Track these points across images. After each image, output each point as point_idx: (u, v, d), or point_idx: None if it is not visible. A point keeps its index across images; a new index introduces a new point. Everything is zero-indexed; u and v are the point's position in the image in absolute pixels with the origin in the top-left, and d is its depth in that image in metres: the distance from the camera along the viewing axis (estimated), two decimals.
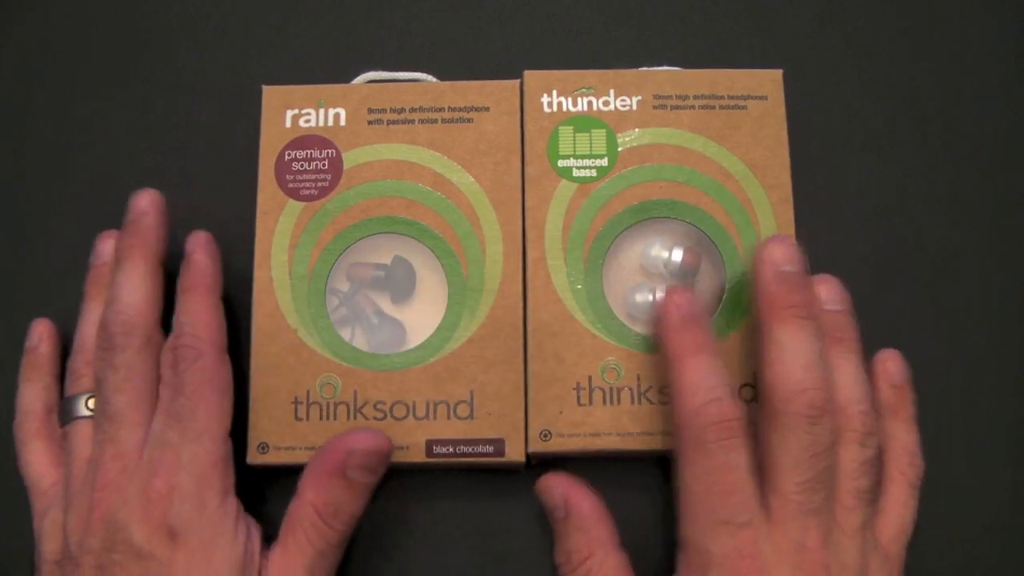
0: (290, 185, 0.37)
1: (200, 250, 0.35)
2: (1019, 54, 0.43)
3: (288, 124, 0.37)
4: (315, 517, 0.32)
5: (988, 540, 0.37)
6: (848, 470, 0.32)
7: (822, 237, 0.38)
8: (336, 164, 0.37)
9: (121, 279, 0.34)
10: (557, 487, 0.34)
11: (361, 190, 0.37)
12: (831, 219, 0.40)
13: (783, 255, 0.33)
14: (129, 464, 0.32)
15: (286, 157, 0.37)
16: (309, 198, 0.36)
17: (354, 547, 0.36)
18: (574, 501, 0.33)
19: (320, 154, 0.37)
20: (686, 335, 0.32)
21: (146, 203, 0.35)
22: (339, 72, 0.42)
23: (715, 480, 0.30)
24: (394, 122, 0.37)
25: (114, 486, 0.31)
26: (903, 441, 0.35)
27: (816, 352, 0.32)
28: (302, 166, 0.37)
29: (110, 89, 0.42)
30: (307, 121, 0.37)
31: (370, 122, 0.37)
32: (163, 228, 0.35)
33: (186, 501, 0.31)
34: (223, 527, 0.31)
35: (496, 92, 0.38)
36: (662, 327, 0.33)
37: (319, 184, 0.36)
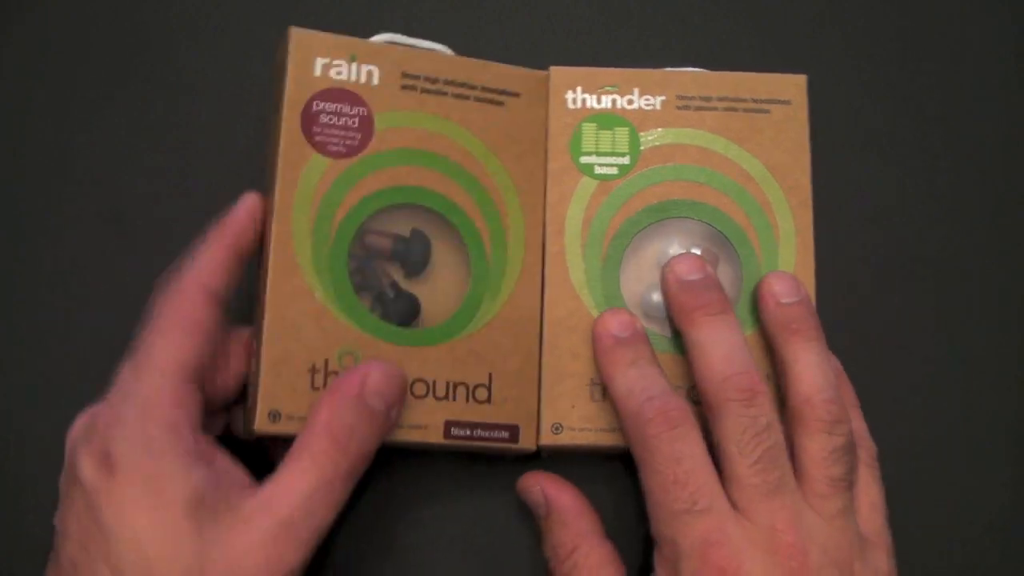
0: (317, 138, 0.35)
1: (243, 209, 0.34)
2: (1020, 54, 0.43)
3: (318, 72, 0.36)
4: (327, 440, 0.30)
5: (988, 540, 0.37)
6: (818, 459, 0.31)
7: (822, 237, 0.38)
8: (367, 124, 0.35)
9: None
10: (535, 485, 0.34)
11: (392, 155, 0.35)
12: (831, 219, 0.40)
13: (685, 268, 0.34)
14: (107, 396, 0.31)
15: (314, 108, 0.35)
16: (337, 155, 0.35)
17: (352, 543, 0.36)
18: (553, 496, 0.34)
19: (351, 110, 0.35)
20: (617, 354, 0.33)
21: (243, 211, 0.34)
22: None
23: (665, 473, 0.30)
24: (428, 91, 0.36)
25: (84, 417, 0.31)
26: (857, 426, 0.35)
27: (735, 342, 0.32)
28: (331, 119, 0.35)
29: (110, 89, 0.42)
30: (339, 73, 0.36)
31: (404, 87, 0.36)
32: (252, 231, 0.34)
33: (125, 430, 0.29)
34: (171, 462, 0.29)
35: (528, 81, 0.37)
36: (596, 352, 0.34)
37: (347, 142, 0.35)
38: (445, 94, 0.36)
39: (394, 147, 0.35)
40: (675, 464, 0.30)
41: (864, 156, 0.41)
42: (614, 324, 0.34)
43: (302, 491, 0.29)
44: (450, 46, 0.40)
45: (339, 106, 0.35)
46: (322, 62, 0.36)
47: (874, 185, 0.41)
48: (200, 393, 0.31)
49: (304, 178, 0.34)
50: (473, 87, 0.37)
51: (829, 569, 0.30)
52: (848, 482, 0.32)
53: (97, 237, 0.40)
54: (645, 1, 0.43)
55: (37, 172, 0.41)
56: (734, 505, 0.30)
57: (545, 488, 0.34)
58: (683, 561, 0.30)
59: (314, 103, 0.35)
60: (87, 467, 0.29)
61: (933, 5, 0.43)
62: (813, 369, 0.33)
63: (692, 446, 0.31)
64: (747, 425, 0.31)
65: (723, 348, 0.32)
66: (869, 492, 0.33)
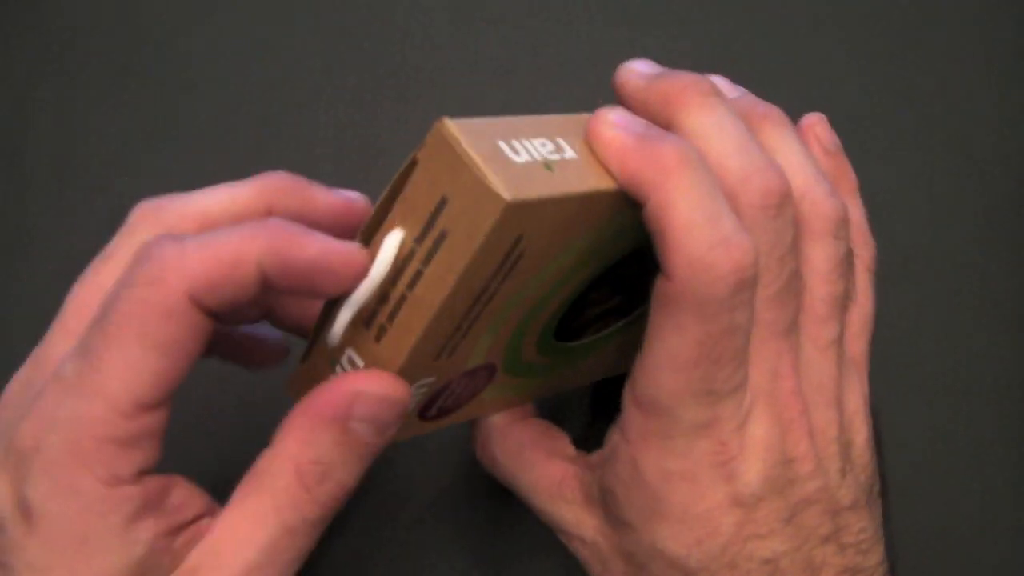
0: None
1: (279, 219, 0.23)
2: (1020, 54, 0.43)
3: None
4: (293, 478, 0.23)
5: (988, 540, 0.37)
6: (822, 272, 0.25)
7: None
8: None
9: None
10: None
11: None
12: None
13: (640, 65, 0.27)
14: (34, 380, 0.24)
15: None
16: None
17: (352, 542, 0.36)
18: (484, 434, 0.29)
19: None
20: (651, 154, 0.23)
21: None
22: (338, 70, 0.42)
23: (713, 346, 0.23)
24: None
25: (4, 403, 0.24)
26: (855, 217, 0.29)
27: (744, 132, 0.24)
28: None
29: (110, 88, 0.42)
30: None
31: None
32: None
33: (48, 475, 0.21)
34: (105, 523, 0.21)
35: None
36: (614, 160, 0.23)
37: None
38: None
39: None
40: (729, 336, 0.23)
41: (864, 157, 0.41)
42: (618, 117, 0.24)
43: (262, 540, 0.23)
44: (450, 46, 0.40)
45: None
46: None
47: (874, 185, 0.41)
48: (165, 411, 0.23)
49: None
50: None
51: (823, 410, 0.26)
52: (845, 302, 0.27)
53: (97, 237, 0.40)
54: (645, 1, 0.43)
55: (37, 172, 0.41)
56: None
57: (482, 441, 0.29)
58: (680, 437, 0.24)
59: None
60: (3, 500, 0.22)
61: (933, 5, 0.43)
62: (800, 158, 0.26)
63: (750, 314, 0.24)
64: (773, 242, 0.23)
65: (734, 136, 0.24)
66: (864, 305, 0.28)
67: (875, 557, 0.27)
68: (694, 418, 0.24)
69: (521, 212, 0.21)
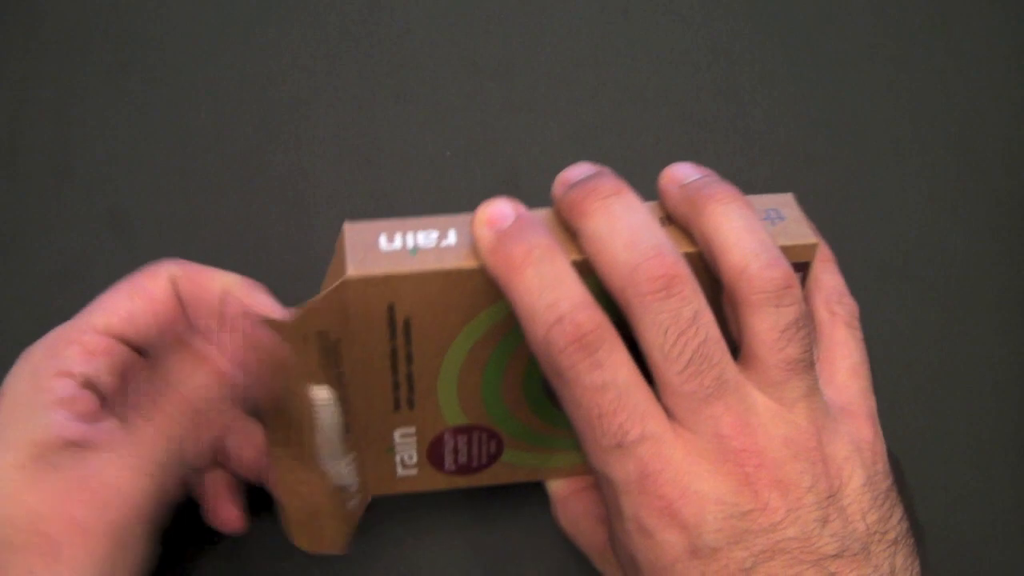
0: None
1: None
2: (1020, 54, 0.43)
3: None
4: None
5: (988, 540, 0.37)
6: (769, 342, 0.26)
7: (822, 237, 0.38)
8: None
9: None
10: None
11: None
12: (831, 219, 0.40)
13: (573, 172, 0.28)
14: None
15: None
16: None
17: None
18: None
19: None
20: (502, 252, 0.26)
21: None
22: (338, 70, 0.42)
23: (590, 407, 0.26)
24: None
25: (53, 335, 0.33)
26: (827, 283, 0.30)
27: (635, 222, 0.26)
28: None
29: (110, 89, 0.42)
30: None
31: None
32: None
33: (23, 362, 0.30)
34: (40, 399, 0.29)
35: None
36: (480, 254, 0.27)
37: None
38: None
39: None
40: (599, 394, 0.25)
41: (864, 157, 0.41)
42: (487, 214, 0.27)
43: (138, 464, 0.28)
44: (450, 46, 0.40)
45: None
46: None
47: (874, 185, 0.41)
48: (127, 352, 0.31)
49: None
50: None
51: (793, 462, 0.26)
52: (808, 360, 0.27)
53: (97, 237, 0.40)
54: (644, 2, 0.43)
55: (37, 172, 0.41)
56: (671, 414, 0.26)
57: None
58: (622, 497, 0.26)
59: None
60: None
61: (933, 5, 0.43)
62: (738, 232, 0.27)
63: (615, 369, 0.26)
64: (668, 323, 0.25)
65: (623, 233, 0.26)
66: (848, 357, 0.29)
67: None
68: (621, 475, 0.26)
69: (367, 285, 0.27)
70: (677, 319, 0.26)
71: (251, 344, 0.29)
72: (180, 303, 0.32)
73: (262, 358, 0.28)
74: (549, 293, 0.26)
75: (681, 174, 0.29)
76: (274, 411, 0.29)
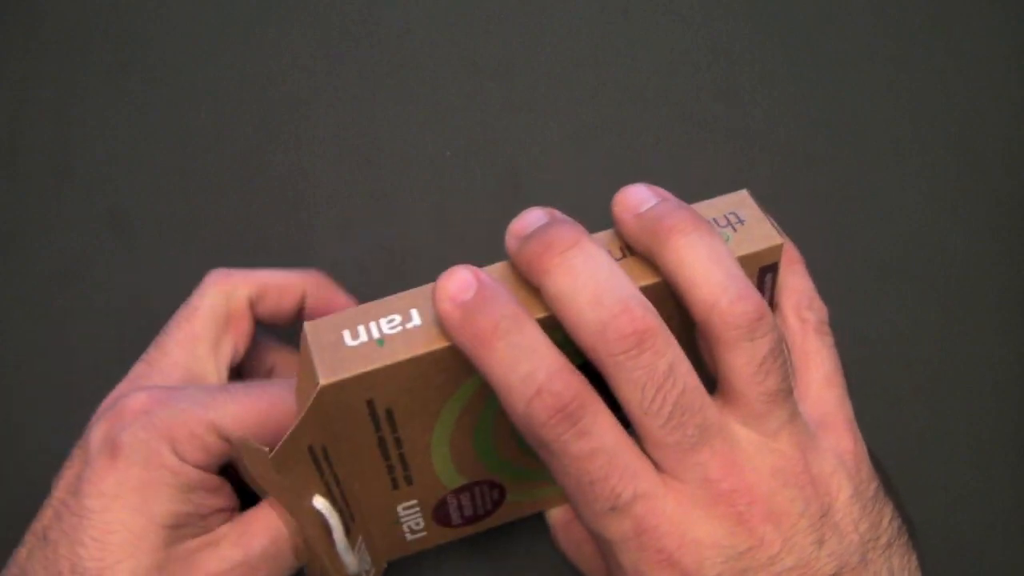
0: None
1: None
2: (1020, 54, 0.43)
3: None
4: None
5: (988, 540, 0.37)
6: (746, 376, 0.26)
7: (822, 237, 0.38)
8: None
9: None
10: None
11: None
12: (831, 219, 0.40)
13: (521, 224, 0.27)
14: (147, 374, 0.33)
15: None
16: None
17: None
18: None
19: None
20: (469, 328, 0.26)
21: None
22: (338, 70, 0.42)
23: (579, 474, 0.25)
24: None
25: (139, 392, 0.32)
26: (795, 287, 0.30)
27: (597, 275, 0.26)
28: None
29: (110, 89, 0.42)
30: None
31: None
32: None
33: (143, 429, 0.29)
34: (165, 484, 0.29)
35: None
36: (446, 330, 0.26)
37: None
38: None
39: None
40: (588, 462, 0.25)
41: (864, 156, 0.41)
42: (451, 288, 0.26)
43: (272, 532, 0.29)
44: (450, 46, 0.40)
45: None
46: None
47: (875, 185, 0.41)
48: (223, 445, 0.30)
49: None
50: None
51: (783, 491, 0.26)
52: (787, 388, 0.27)
53: (97, 237, 0.40)
54: (644, 2, 0.43)
55: (37, 172, 0.41)
56: (658, 466, 0.26)
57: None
58: (621, 555, 0.26)
59: None
60: (97, 438, 0.29)
61: (933, 5, 0.43)
62: (704, 265, 0.26)
63: (601, 434, 0.25)
64: (645, 379, 0.25)
65: (587, 289, 0.25)
66: (821, 366, 0.29)
67: None
68: (618, 535, 0.26)
69: (342, 388, 0.26)
70: (653, 374, 0.25)
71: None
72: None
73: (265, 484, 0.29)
74: (523, 364, 0.25)
75: (635, 200, 0.27)
76: (291, 518, 0.30)
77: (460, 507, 0.33)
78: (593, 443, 0.25)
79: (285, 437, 0.27)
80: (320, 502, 0.29)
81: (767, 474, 0.26)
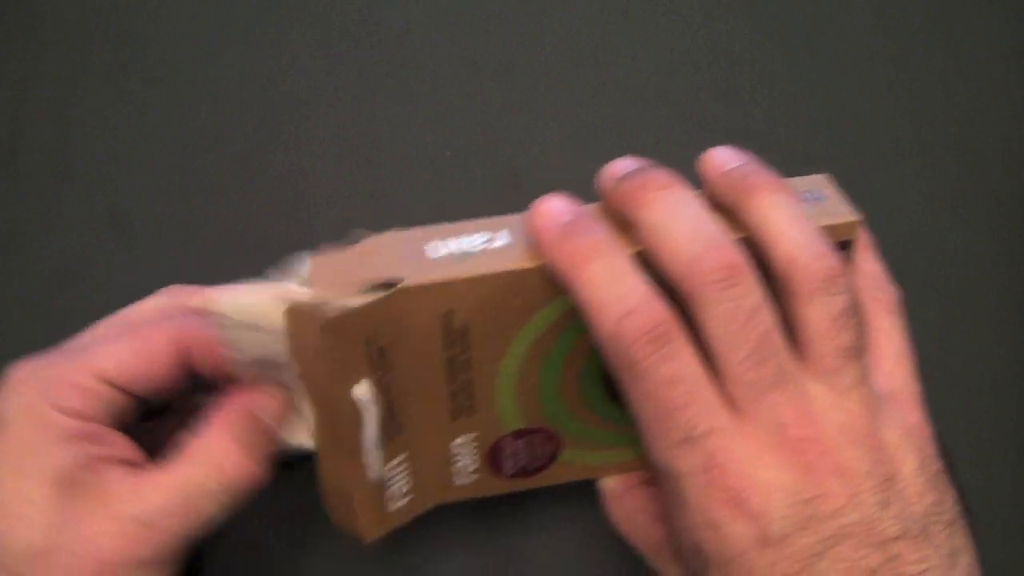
0: None
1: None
2: (1020, 54, 0.43)
3: None
4: (225, 444, 0.29)
5: (988, 540, 0.37)
6: (822, 330, 0.27)
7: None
8: None
9: None
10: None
11: None
12: None
13: (621, 165, 0.28)
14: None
15: None
16: None
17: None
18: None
19: None
20: (567, 247, 0.27)
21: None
22: (338, 70, 0.42)
23: (659, 400, 0.26)
24: None
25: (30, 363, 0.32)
26: (868, 269, 0.31)
27: (697, 214, 0.27)
28: None
29: (110, 89, 0.42)
30: None
31: None
32: None
33: (21, 397, 0.29)
34: (48, 436, 0.29)
35: None
36: (540, 248, 0.27)
37: None
38: None
39: None
40: (669, 388, 0.26)
41: (864, 156, 0.41)
42: (548, 209, 0.27)
43: (173, 492, 0.29)
44: (449, 46, 0.40)
45: None
46: None
47: (874, 185, 0.41)
48: (126, 399, 0.30)
49: None
50: None
51: (850, 449, 0.26)
52: (859, 348, 0.27)
53: (97, 237, 0.40)
54: (644, 2, 0.43)
55: (37, 172, 0.41)
56: (732, 404, 0.26)
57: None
58: (689, 491, 0.26)
59: None
60: None
61: (933, 5, 0.43)
62: (787, 222, 0.27)
63: (685, 362, 0.26)
64: (732, 313, 0.26)
65: (684, 224, 0.27)
66: (892, 343, 0.29)
67: None
68: (689, 467, 0.26)
69: (424, 293, 0.26)
70: (740, 308, 0.26)
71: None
72: (181, 359, 0.30)
73: (301, 351, 0.28)
74: (617, 286, 0.26)
75: (723, 160, 0.29)
76: (318, 401, 0.28)
77: (515, 454, 0.32)
78: (677, 369, 0.26)
79: (346, 309, 0.26)
80: (363, 391, 0.28)
81: (836, 429, 0.26)
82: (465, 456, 0.32)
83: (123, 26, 0.43)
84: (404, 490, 0.32)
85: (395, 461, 0.31)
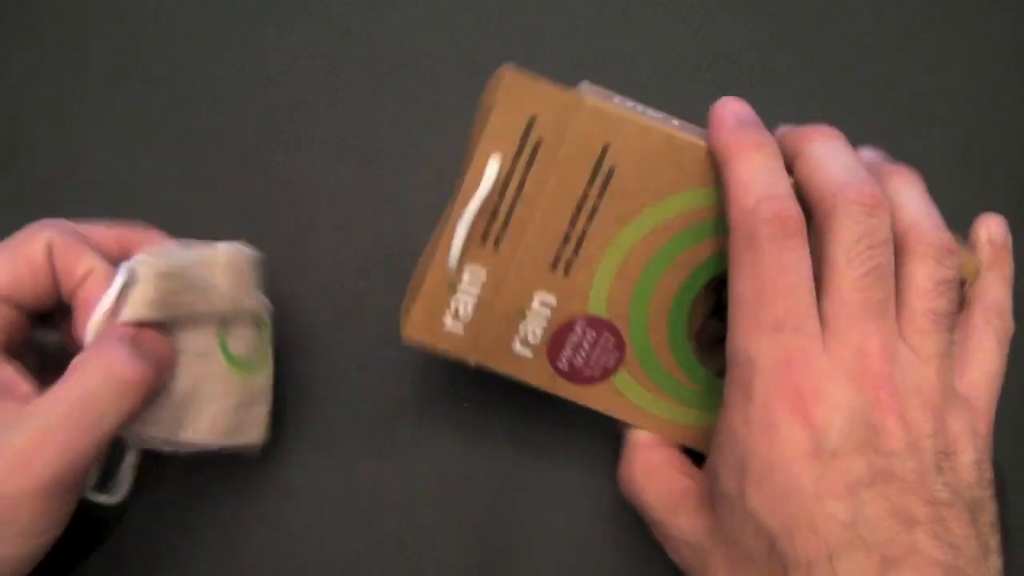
0: None
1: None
2: (1020, 54, 0.43)
3: None
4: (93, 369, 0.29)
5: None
6: (922, 288, 0.28)
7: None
8: None
9: None
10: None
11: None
12: None
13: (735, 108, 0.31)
14: None
15: None
16: None
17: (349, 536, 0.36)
18: None
19: None
20: (741, 134, 0.29)
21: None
22: (338, 70, 0.42)
23: (767, 281, 0.27)
24: None
25: None
26: (994, 295, 0.32)
27: (854, 159, 0.30)
28: None
29: (110, 89, 0.42)
30: None
31: None
32: None
33: None
34: None
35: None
36: (715, 131, 0.30)
37: None
38: None
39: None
40: (780, 274, 0.27)
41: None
42: (736, 106, 0.30)
43: (66, 404, 0.28)
44: (449, 46, 0.40)
45: None
46: None
47: None
48: (9, 311, 0.31)
49: None
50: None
51: (918, 410, 0.27)
52: (950, 322, 0.29)
53: None
54: (644, 2, 0.43)
55: (37, 172, 0.41)
56: (826, 323, 0.27)
57: None
58: (757, 380, 0.27)
59: None
60: None
61: (934, 5, 0.43)
62: (916, 203, 0.30)
63: (800, 260, 0.27)
64: (863, 233, 0.27)
65: (843, 160, 0.29)
66: (988, 362, 0.30)
67: (980, 570, 0.26)
68: (768, 358, 0.27)
69: (599, 116, 0.29)
70: (872, 234, 0.27)
71: None
72: (53, 269, 0.31)
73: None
74: (770, 176, 0.28)
75: (868, 156, 0.33)
76: (467, 164, 0.30)
77: (577, 346, 0.32)
78: (794, 260, 0.27)
79: (531, 76, 0.29)
80: (495, 161, 0.30)
81: (911, 385, 0.27)
82: (535, 322, 0.32)
83: (123, 26, 0.43)
84: (465, 315, 0.32)
85: (475, 270, 0.31)
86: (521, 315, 0.31)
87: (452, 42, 0.43)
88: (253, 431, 0.34)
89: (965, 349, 0.31)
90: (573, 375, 0.32)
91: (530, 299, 0.31)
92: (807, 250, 0.28)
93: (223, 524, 0.36)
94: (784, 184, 0.28)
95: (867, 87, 0.42)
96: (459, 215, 0.30)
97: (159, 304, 0.31)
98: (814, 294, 0.28)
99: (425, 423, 0.38)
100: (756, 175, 0.28)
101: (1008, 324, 0.32)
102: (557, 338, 0.32)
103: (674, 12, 0.43)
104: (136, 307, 0.30)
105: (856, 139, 0.41)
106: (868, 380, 0.27)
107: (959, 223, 0.40)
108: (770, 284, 0.27)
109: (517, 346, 0.32)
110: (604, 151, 0.29)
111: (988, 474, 0.28)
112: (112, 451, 0.32)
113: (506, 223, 0.30)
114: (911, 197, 0.30)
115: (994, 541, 0.28)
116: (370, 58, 0.43)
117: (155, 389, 0.30)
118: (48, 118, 0.42)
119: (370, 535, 0.37)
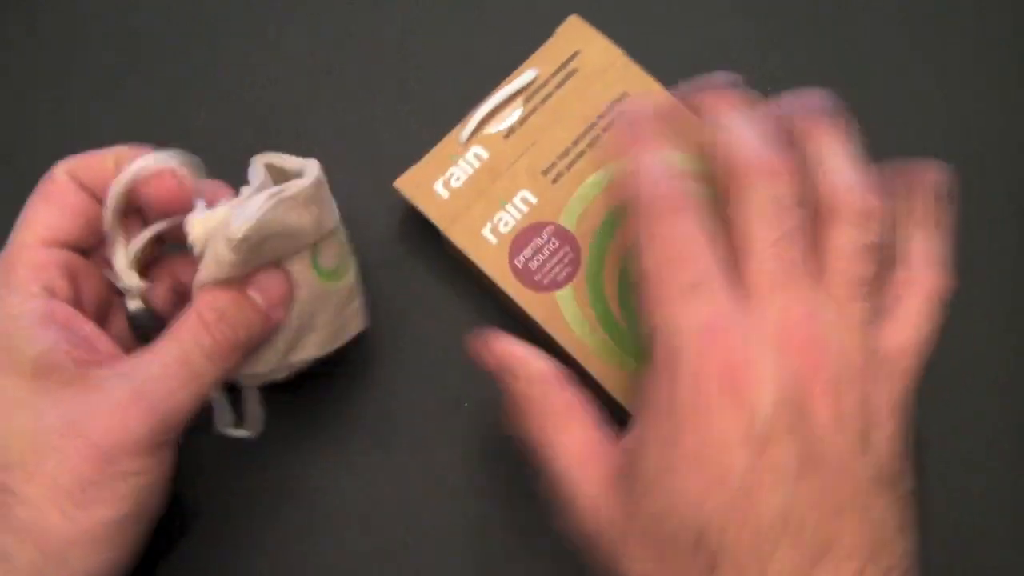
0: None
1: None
2: (1020, 54, 0.43)
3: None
4: (194, 317, 0.29)
5: (988, 540, 0.37)
6: (841, 254, 0.27)
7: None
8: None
9: None
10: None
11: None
12: None
13: (715, 80, 0.32)
14: None
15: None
16: None
17: (349, 536, 0.36)
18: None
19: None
20: (633, 132, 0.29)
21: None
22: (338, 70, 0.42)
23: (670, 247, 0.27)
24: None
25: None
26: (922, 247, 0.30)
27: (766, 130, 0.29)
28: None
29: (110, 89, 0.42)
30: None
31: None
32: None
33: None
34: (21, 324, 0.29)
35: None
36: (615, 130, 0.32)
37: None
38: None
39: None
40: (683, 241, 0.27)
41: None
42: (635, 106, 0.31)
43: (159, 364, 0.29)
44: (449, 46, 0.40)
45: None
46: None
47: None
48: (75, 258, 0.31)
49: None
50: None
51: (845, 383, 0.26)
52: (873, 288, 0.28)
53: None
54: (645, 2, 0.43)
55: (37, 172, 0.41)
56: (747, 291, 0.26)
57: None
58: (681, 354, 0.26)
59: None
60: None
61: (934, 5, 0.43)
62: (842, 161, 0.29)
63: (702, 228, 0.27)
64: (773, 199, 0.27)
65: (757, 130, 0.28)
66: (915, 325, 0.29)
67: (902, 546, 0.26)
68: (686, 323, 0.26)
69: (630, 73, 0.37)
70: (782, 200, 0.27)
71: None
72: (89, 193, 0.31)
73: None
74: (662, 166, 0.28)
75: (803, 102, 0.31)
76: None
77: (539, 249, 0.35)
78: (695, 228, 0.27)
79: (589, 26, 0.38)
80: (532, 71, 0.37)
81: (836, 350, 0.26)
82: (510, 214, 0.35)
83: (123, 26, 0.43)
84: (456, 185, 0.36)
85: (480, 151, 0.36)
86: (502, 205, 0.35)
87: (452, 42, 0.43)
88: (353, 325, 0.35)
89: (893, 313, 0.29)
90: (524, 276, 0.35)
91: (515, 194, 0.35)
92: (710, 222, 0.27)
93: (223, 524, 0.36)
94: (675, 168, 0.28)
95: (867, 87, 0.42)
96: (485, 101, 0.36)
97: (241, 263, 0.30)
98: (729, 262, 0.27)
99: (425, 423, 0.38)
100: (650, 165, 0.28)
101: (939, 281, 0.30)
102: (524, 235, 0.35)
103: (675, 12, 0.43)
104: (219, 267, 0.29)
105: (856, 139, 0.41)
106: (796, 348, 0.26)
107: (958, 222, 0.40)
108: (676, 249, 0.27)
109: (486, 231, 0.35)
110: (622, 97, 0.36)
111: (905, 445, 0.27)
112: (231, 389, 0.33)
113: (523, 122, 0.36)
114: (833, 158, 0.29)
115: (908, 515, 0.27)
116: (370, 58, 0.43)
117: (262, 337, 0.31)
118: (48, 118, 0.42)
119: (370, 536, 0.37)
